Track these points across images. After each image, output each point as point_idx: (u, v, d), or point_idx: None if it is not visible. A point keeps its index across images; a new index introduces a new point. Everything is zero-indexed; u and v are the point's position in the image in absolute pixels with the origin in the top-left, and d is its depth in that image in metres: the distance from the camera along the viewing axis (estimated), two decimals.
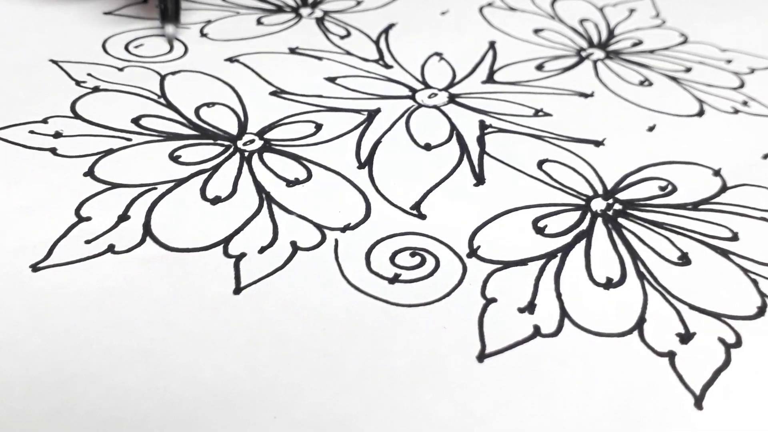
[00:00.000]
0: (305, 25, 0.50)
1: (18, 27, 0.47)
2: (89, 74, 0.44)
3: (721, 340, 0.31)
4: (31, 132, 0.39)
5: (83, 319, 0.30)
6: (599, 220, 0.36)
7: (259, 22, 0.50)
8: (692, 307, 0.32)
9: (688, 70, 0.49)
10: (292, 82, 0.44)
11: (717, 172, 0.40)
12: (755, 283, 0.34)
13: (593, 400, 0.28)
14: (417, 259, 0.33)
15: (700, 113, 0.44)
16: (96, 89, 0.42)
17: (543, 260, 0.34)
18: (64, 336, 0.29)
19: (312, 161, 0.38)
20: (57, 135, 0.39)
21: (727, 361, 0.30)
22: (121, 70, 0.44)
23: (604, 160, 0.40)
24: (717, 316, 0.32)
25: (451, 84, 0.45)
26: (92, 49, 0.46)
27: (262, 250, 0.33)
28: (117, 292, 0.31)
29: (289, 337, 0.30)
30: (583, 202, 0.37)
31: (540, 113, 0.43)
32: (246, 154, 0.39)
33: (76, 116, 0.40)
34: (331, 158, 0.39)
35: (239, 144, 0.39)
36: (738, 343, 0.31)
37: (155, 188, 0.36)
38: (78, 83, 0.43)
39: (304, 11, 0.52)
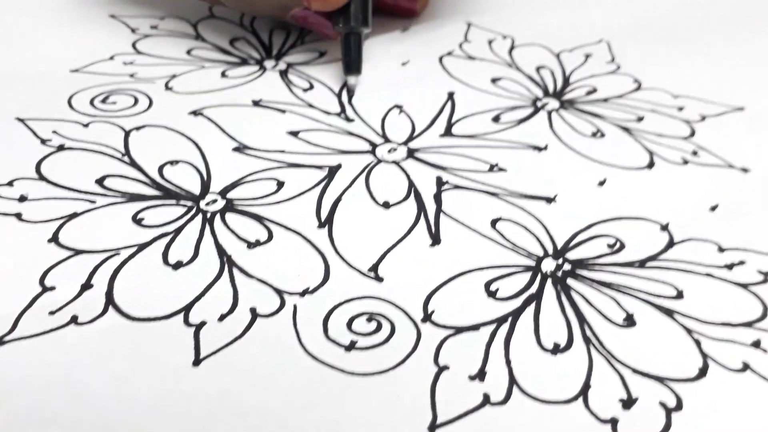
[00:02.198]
0: (269, 78, 0.51)
1: None
2: (54, 132, 0.44)
3: (662, 404, 0.32)
4: None
5: (48, 395, 0.31)
6: (549, 282, 0.37)
7: (223, 74, 0.51)
8: (635, 371, 0.33)
9: (641, 119, 0.50)
10: (255, 137, 0.45)
11: (665, 227, 0.41)
12: (698, 343, 0.35)
13: None
14: (373, 325, 0.35)
15: (650, 165, 0.46)
16: (61, 148, 0.43)
17: (494, 325, 0.35)
18: (30, 413, 0.30)
19: (273, 221, 0.40)
20: (22, 199, 0.39)
21: (667, 425, 0.31)
22: (86, 126, 0.45)
23: (555, 217, 0.41)
24: (659, 379, 0.33)
25: (410, 138, 0.47)
26: (58, 105, 0.47)
27: (222, 317, 0.34)
28: (81, 366, 0.32)
29: (248, 409, 0.31)
30: (533, 263, 0.38)
31: (495, 168, 0.44)
32: (208, 215, 0.39)
33: (41, 178, 0.41)
34: (292, 217, 0.40)
35: (202, 204, 0.40)
36: (679, 406, 0.32)
37: (118, 254, 0.37)
38: (43, 141, 0.43)
39: (268, 63, 0.53)
